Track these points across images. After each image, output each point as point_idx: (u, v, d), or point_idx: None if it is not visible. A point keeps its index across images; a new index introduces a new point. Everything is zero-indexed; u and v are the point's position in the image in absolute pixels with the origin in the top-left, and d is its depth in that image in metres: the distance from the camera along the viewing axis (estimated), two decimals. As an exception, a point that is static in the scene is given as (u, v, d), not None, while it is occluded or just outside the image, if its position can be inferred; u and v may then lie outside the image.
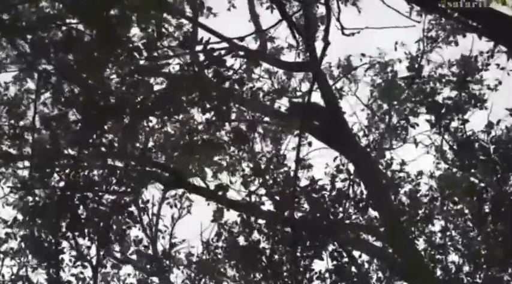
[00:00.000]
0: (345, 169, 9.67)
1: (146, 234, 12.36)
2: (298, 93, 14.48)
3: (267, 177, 10.92)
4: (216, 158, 12.11)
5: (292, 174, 10.08)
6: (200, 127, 10.79)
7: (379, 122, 13.49)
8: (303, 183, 9.87)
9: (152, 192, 13.95)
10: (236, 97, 8.77)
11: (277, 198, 10.08)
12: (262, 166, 11.15)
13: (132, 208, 9.29)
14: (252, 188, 10.96)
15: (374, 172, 10.16)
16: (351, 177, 9.39)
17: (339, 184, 9.70)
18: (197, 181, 11.61)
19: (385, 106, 13.56)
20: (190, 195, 12.46)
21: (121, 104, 8.50)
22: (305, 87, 14.36)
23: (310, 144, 11.13)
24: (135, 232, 13.01)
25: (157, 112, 8.77)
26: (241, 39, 8.81)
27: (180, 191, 12.76)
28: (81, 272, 9.96)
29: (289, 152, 11.96)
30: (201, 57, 8.01)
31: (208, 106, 7.93)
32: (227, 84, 8.15)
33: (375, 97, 13.79)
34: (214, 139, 9.84)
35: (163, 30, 9.35)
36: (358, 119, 13.68)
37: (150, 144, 10.76)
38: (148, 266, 11.82)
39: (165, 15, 10.53)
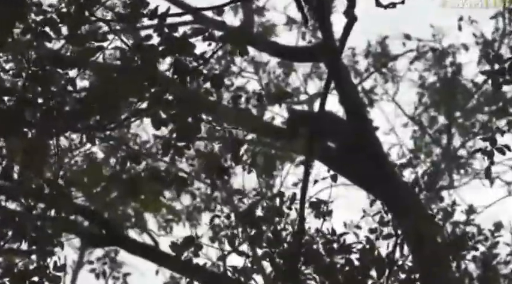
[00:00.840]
0: (390, 220, 9.80)
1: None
2: (303, 97, 14.73)
3: (253, 230, 11.07)
4: (167, 200, 12.25)
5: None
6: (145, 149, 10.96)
7: (433, 144, 13.70)
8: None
9: (65, 252, 14.05)
10: (210, 104, 8.89)
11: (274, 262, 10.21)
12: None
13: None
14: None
15: (425, 224, 10.31)
16: (398, 234, 9.52)
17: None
18: (140, 235, 11.74)
19: (442, 119, 13.80)
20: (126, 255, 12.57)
21: (21, 109, 8.60)
22: (313, 87, 14.61)
23: (335, 178, 10.81)
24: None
25: (80, 123, 8.88)
26: (219, 10, 8.85)
27: (110, 250, 12.89)
28: None
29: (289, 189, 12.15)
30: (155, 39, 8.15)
31: (164, 116, 8.06)
32: (193, 82, 8.28)
33: (425, 104, 14.02)
34: (170, 168, 9.95)
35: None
36: (398, 139, 13.96)
37: (67, 174, 10.89)
38: None
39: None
